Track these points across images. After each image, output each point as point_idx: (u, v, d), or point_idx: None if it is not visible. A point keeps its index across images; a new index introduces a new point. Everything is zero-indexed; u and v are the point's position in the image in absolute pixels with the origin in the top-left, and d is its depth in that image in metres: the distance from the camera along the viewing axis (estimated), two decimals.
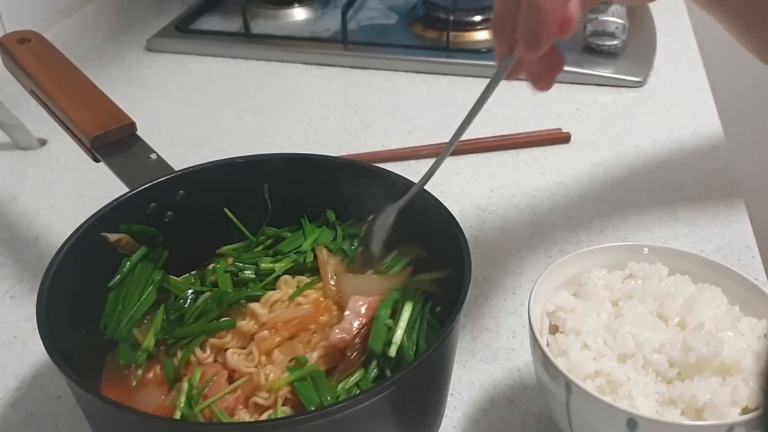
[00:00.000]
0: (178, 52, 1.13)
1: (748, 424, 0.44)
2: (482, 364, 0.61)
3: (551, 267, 0.53)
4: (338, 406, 0.42)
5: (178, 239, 0.60)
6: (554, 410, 0.50)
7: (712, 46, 1.20)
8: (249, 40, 1.13)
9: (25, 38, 0.69)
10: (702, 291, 0.51)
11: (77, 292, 0.53)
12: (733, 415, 0.45)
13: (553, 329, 0.52)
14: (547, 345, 0.50)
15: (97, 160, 0.63)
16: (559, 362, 0.47)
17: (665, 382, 0.47)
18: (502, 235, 0.75)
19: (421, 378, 0.46)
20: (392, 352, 0.50)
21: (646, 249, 0.54)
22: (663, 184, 0.81)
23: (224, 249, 0.62)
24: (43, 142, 0.92)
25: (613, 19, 1.01)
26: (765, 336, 0.49)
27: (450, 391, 0.56)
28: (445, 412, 0.55)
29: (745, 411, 0.45)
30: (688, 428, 0.44)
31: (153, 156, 0.62)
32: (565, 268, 0.54)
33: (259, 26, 1.16)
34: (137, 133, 0.64)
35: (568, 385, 0.46)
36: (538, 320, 0.51)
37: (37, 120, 0.93)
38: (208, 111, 0.99)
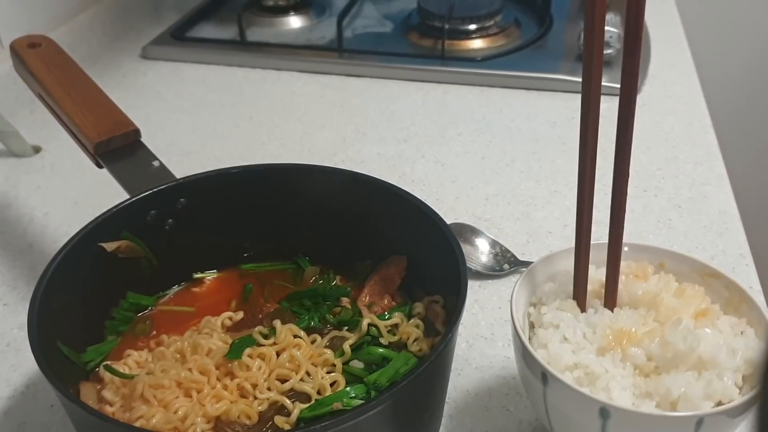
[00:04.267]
0: (174, 60, 1.13)
1: (717, 417, 0.44)
2: (477, 372, 0.61)
3: (537, 262, 0.54)
4: (335, 419, 0.42)
5: (177, 247, 0.60)
6: (533, 401, 0.51)
7: (705, 56, 1.21)
8: (244, 48, 1.13)
9: (35, 43, 0.69)
10: (684, 289, 0.52)
11: (71, 300, 0.53)
12: (706, 409, 0.45)
13: (537, 323, 0.53)
14: (529, 340, 0.51)
15: (100, 166, 0.63)
16: (539, 354, 0.48)
17: (643, 376, 0.48)
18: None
19: (419, 389, 0.46)
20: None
21: (626, 248, 0.54)
22: (657, 192, 0.82)
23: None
24: (37, 150, 0.92)
25: (608, 28, 1.01)
26: (742, 333, 0.49)
27: (445, 399, 0.55)
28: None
29: (718, 405, 0.46)
30: (658, 419, 0.44)
31: (156, 163, 0.62)
32: (551, 264, 0.55)
33: (254, 34, 1.16)
34: (141, 139, 0.64)
35: (544, 375, 0.47)
36: (521, 313, 0.51)
37: (32, 127, 0.93)
38: (204, 119, 0.99)
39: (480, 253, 0.71)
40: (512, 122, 0.95)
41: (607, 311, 0.51)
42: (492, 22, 1.12)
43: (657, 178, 0.84)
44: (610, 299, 0.52)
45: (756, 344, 0.48)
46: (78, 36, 1.09)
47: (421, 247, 0.57)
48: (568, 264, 0.53)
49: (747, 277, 0.69)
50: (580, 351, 0.48)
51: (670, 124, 0.94)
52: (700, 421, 0.44)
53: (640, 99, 0.99)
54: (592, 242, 0.52)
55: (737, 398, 0.45)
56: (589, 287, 0.53)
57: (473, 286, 0.69)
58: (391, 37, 1.15)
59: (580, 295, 0.52)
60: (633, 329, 0.49)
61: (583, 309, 0.52)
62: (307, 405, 0.50)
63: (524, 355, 0.49)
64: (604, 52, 1.00)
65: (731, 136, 1.17)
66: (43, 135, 0.92)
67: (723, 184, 0.83)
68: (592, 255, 0.53)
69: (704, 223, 0.77)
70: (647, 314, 0.50)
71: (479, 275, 0.69)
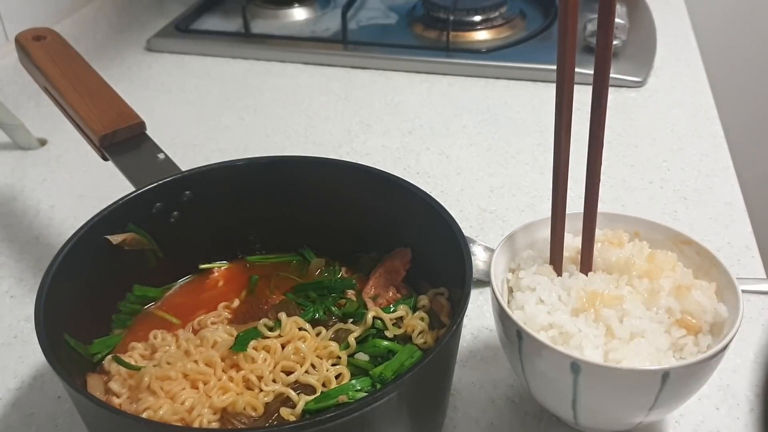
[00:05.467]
0: (178, 52, 1.13)
1: (682, 370, 0.46)
2: (482, 363, 0.61)
3: (516, 229, 0.56)
4: (341, 410, 0.42)
5: (183, 240, 0.60)
6: (511, 362, 0.53)
7: (712, 46, 1.20)
8: (249, 40, 1.13)
9: (40, 35, 0.69)
10: (656, 255, 0.54)
11: (78, 293, 0.53)
12: (672, 363, 0.47)
13: (515, 288, 0.54)
14: (508, 303, 0.52)
15: (105, 159, 0.63)
16: (516, 315, 0.49)
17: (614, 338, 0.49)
18: (502, 235, 0.74)
19: (423, 381, 0.46)
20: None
21: (602, 216, 0.55)
22: (663, 184, 0.81)
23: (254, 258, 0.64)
24: (43, 142, 0.92)
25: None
26: (711, 296, 0.51)
27: (450, 391, 0.56)
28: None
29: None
30: (626, 372, 0.46)
31: (161, 156, 0.62)
32: (531, 232, 0.56)
33: (259, 26, 1.16)
34: (146, 132, 0.64)
35: (519, 333, 0.49)
36: (500, 278, 0.53)
37: (37, 120, 0.93)
38: (208, 111, 0.99)
39: (477, 260, 0.70)
40: (517, 114, 0.95)
41: (581, 275, 0.53)
42: (497, 14, 1.12)
43: (663, 170, 0.84)
44: (585, 264, 0.54)
45: (723, 306, 0.50)
46: (83, 29, 1.09)
47: (426, 240, 0.57)
48: (547, 232, 0.54)
49: (753, 269, 0.69)
50: (555, 312, 0.50)
51: (676, 116, 0.93)
52: (665, 374, 0.45)
53: (646, 90, 0.99)
54: (573, 212, 0.54)
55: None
56: (566, 254, 0.55)
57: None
58: (396, 28, 1.15)
59: (556, 259, 0.54)
60: (605, 291, 0.51)
61: (559, 273, 0.54)
62: (312, 397, 0.50)
63: (501, 315, 0.50)
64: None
65: (737, 128, 1.17)
66: (49, 128, 0.93)
67: (729, 175, 0.82)
68: (572, 224, 0.54)
69: (710, 215, 0.76)
70: (620, 278, 0.52)
71: (480, 283, 0.67)
